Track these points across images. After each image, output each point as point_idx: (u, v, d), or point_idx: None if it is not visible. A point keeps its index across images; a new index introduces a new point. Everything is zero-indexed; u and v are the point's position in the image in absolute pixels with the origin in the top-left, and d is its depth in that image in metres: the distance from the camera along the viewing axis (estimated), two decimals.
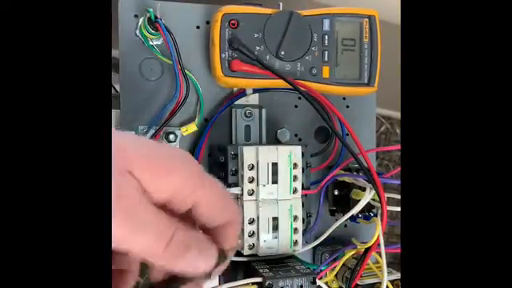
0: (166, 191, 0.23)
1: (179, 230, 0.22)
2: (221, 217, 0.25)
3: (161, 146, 0.25)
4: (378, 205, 0.39)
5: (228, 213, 0.25)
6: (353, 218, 0.41)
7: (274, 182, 0.38)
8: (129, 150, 0.22)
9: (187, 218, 0.25)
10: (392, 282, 0.41)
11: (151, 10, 0.40)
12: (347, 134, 0.47)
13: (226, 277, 0.43)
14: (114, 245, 0.21)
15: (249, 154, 0.38)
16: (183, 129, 0.42)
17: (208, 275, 0.24)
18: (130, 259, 0.26)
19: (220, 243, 0.25)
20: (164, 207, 0.23)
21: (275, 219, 0.39)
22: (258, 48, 0.41)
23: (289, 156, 0.38)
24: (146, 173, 0.22)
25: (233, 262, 0.40)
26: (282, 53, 0.41)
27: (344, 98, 0.49)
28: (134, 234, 0.21)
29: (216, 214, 0.25)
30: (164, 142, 0.42)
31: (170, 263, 0.22)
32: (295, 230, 0.39)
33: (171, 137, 0.42)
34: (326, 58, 0.43)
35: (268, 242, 0.39)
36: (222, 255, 0.25)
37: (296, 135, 0.47)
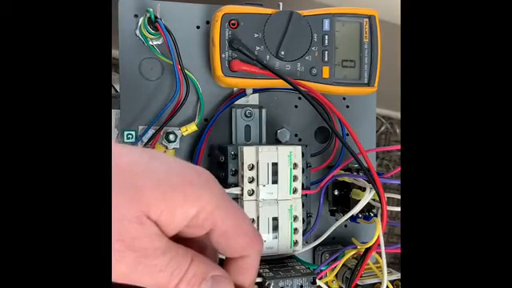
0: (182, 221, 0.22)
1: (193, 264, 0.22)
2: (237, 246, 0.24)
3: (179, 167, 0.23)
4: (378, 205, 0.38)
5: (245, 242, 0.24)
6: (353, 218, 0.41)
7: (274, 182, 0.38)
8: (144, 183, 0.21)
9: (203, 247, 0.24)
10: (392, 282, 0.41)
11: (151, 9, 0.40)
12: (347, 134, 0.47)
13: None
14: (123, 281, 0.21)
15: (249, 154, 0.38)
16: (183, 129, 0.42)
17: None
18: None
19: (237, 276, 0.24)
20: (179, 233, 0.22)
21: (275, 219, 0.39)
22: (257, 48, 0.41)
23: (289, 156, 0.38)
24: (164, 206, 0.21)
25: None
26: (282, 53, 0.41)
27: (344, 98, 0.49)
28: (146, 274, 0.21)
29: (232, 242, 0.23)
30: (165, 147, 0.42)
31: None
32: (295, 230, 0.39)
33: (171, 137, 0.42)
34: (326, 58, 0.43)
35: (268, 242, 0.39)
36: None
37: (296, 135, 0.47)
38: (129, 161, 0.22)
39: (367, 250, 0.39)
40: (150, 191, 0.21)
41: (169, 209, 0.21)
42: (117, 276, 0.20)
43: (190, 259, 0.22)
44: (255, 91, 0.44)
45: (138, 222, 0.21)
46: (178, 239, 0.23)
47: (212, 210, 0.22)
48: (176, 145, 0.43)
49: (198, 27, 0.44)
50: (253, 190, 0.38)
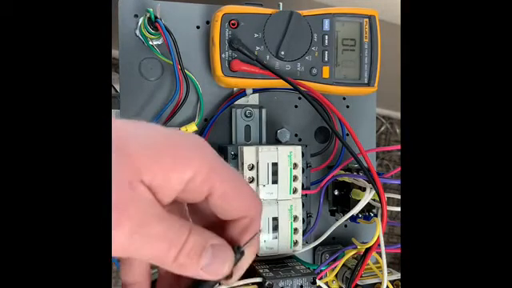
0: (178, 185, 0.21)
1: (192, 234, 0.21)
2: (237, 208, 0.23)
3: (167, 132, 0.22)
4: (378, 205, 0.38)
5: (245, 204, 0.23)
6: (353, 218, 0.41)
7: (274, 182, 0.38)
8: (133, 148, 0.21)
9: (202, 212, 0.24)
10: (392, 282, 0.41)
11: (151, 9, 0.40)
12: (347, 134, 0.47)
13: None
14: (122, 254, 0.20)
15: (249, 154, 0.38)
16: (183, 129, 0.42)
17: (228, 277, 0.23)
18: (137, 271, 0.25)
19: (236, 239, 0.24)
20: (176, 199, 0.22)
21: (275, 219, 0.39)
22: (257, 48, 0.41)
23: (289, 156, 0.38)
24: (156, 170, 0.20)
25: None
26: (282, 53, 0.41)
27: (344, 98, 0.49)
28: (144, 244, 0.20)
29: (232, 204, 0.23)
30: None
31: (182, 270, 0.21)
32: (295, 230, 0.39)
33: None
34: (326, 58, 0.43)
35: (268, 242, 0.39)
36: (238, 253, 0.23)
37: (296, 135, 0.47)
38: (114, 126, 0.21)
39: (367, 250, 0.39)
40: (140, 155, 0.20)
41: (162, 172, 0.21)
42: (116, 249, 0.20)
43: (188, 228, 0.21)
44: (255, 91, 0.44)
45: (130, 188, 0.20)
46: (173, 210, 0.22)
47: (208, 172, 0.21)
48: None
49: (198, 27, 0.44)
50: None
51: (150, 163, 0.20)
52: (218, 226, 0.24)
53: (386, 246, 0.38)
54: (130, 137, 0.21)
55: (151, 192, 0.21)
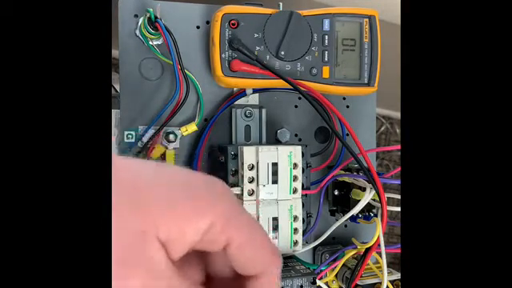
0: (193, 237, 0.20)
1: None
2: (255, 260, 0.22)
3: (182, 178, 0.21)
4: (378, 205, 0.39)
5: (264, 257, 0.22)
6: (353, 218, 0.41)
7: (274, 182, 0.38)
8: (147, 199, 0.19)
9: (220, 264, 0.23)
10: (392, 282, 0.41)
11: (151, 9, 0.40)
12: (347, 134, 0.47)
13: None
14: None
15: (249, 154, 0.38)
16: (183, 129, 0.42)
17: None
18: None
19: None
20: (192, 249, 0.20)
21: (275, 219, 0.39)
22: (257, 48, 0.41)
23: (289, 156, 0.38)
24: (171, 222, 0.19)
25: None
26: (282, 53, 0.41)
27: (344, 98, 0.49)
28: None
29: (250, 256, 0.21)
30: (165, 147, 0.42)
31: None
32: (295, 230, 0.39)
33: (171, 137, 0.42)
34: (326, 58, 0.43)
35: None
36: None
37: (296, 135, 0.47)
38: (132, 176, 0.20)
39: (367, 250, 0.39)
40: (156, 207, 0.19)
41: (178, 224, 0.19)
42: None
43: None
44: (255, 91, 0.44)
45: (143, 240, 0.19)
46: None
47: (226, 222, 0.20)
48: (176, 145, 0.43)
49: (198, 27, 0.44)
50: (253, 190, 0.38)
51: (167, 216, 0.19)
52: (237, 285, 0.23)
53: (386, 245, 0.38)
54: (147, 186, 0.20)
55: (164, 247, 0.19)
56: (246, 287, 0.22)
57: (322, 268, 0.43)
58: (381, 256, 0.38)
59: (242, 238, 0.21)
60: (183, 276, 0.20)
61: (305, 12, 0.42)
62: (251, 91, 0.44)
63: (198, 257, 0.23)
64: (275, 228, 0.39)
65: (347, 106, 0.49)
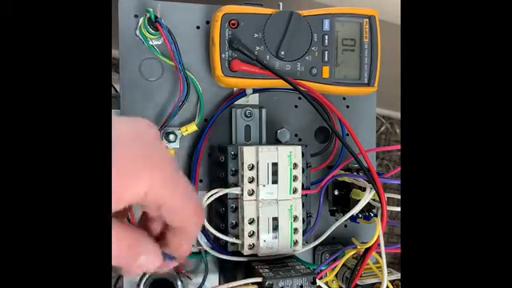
0: (131, 200, 0.24)
1: (133, 240, 0.26)
2: (181, 220, 0.27)
3: (132, 150, 0.25)
4: (378, 205, 0.38)
5: (189, 217, 0.28)
6: (353, 218, 0.41)
7: (274, 182, 0.38)
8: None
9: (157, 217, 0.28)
10: (392, 282, 0.41)
11: (151, 10, 0.40)
12: (347, 134, 0.47)
13: (226, 277, 0.43)
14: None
15: (249, 154, 0.38)
16: (183, 129, 0.42)
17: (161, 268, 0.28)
18: None
19: (170, 246, 0.28)
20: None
21: (275, 219, 0.39)
22: (257, 48, 0.41)
23: (289, 156, 0.38)
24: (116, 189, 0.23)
25: (233, 262, 0.41)
26: (282, 53, 0.41)
27: (344, 98, 0.49)
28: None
29: (177, 216, 0.27)
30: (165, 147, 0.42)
31: (128, 266, 0.26)
32: (295, 230, 0.39)
33: (171, 137, 0.42)
34: (326, 58, 0.43)
35: (268, 242, 0.39)
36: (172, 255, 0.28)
37: (296, 135, 0.47)
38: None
39: (367, 250, 0.39)
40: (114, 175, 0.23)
41: (120, 187, 0.23)
42: None
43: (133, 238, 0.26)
44: (255, 91, 0.44)
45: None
46: None
47: (160, 191, 0.25)
48: (176, 145, 0.43)
49: (198, 27, 0.44)
50: (253, 190, 0.38)
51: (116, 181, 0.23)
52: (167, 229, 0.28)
53: (385, 245, 0.38)
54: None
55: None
56: (172, 234, 0.28)
57: (322, 268, 0.43)
58: (381, 256, 0.38)
59: (172, 204, 0.26)
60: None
61: (305, 12, 0.42)
62: (251, 91, 0.44)
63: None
64: (275, 228, 0.39)
65: (347, 106, 0.49)
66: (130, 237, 0.26)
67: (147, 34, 0.41)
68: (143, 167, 0.24)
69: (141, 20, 0.41)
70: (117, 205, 0.23)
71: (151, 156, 0.25)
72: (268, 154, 0.38)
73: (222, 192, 0.39)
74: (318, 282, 0.38)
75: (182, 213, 0.27)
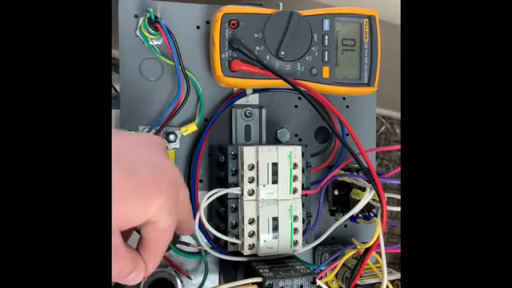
0: (140, 221, 0.26)
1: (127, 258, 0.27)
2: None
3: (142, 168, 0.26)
4: (378, 205, 0.39)
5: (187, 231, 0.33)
6: (353, 218, 0.41)
7: (274, 182, 0.38)
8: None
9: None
10: (392, 282, 0.41)
11: (151, 10, 0.40)
12: (347, 134, 0.47)
13: (226, 277, 0.43)
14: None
15: (249, 154, 0.38)
16: (183, 129, 0.42)
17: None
18: None
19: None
20: None
21: (275, 219, 0.39)
22: (257, 48, 0.41)
23: (289, 156, 0.38)
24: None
25: (233, 262, 0.41)
26: (282, 53, 0.41)
27: (344, 98, 0.49)
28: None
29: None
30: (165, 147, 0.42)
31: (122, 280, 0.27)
32: (295, 230, 0.39)
33: (171, 137, 0.42)
34: (326, 58, 0.43)
35: (268, 242, 0.39)
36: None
37: (296, 135, 0.47)
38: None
39: (367, 250, 0.39)
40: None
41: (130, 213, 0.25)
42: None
43: (129, 257, 0.27)
44: (255, 91, 0.44)
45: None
46: None
47: (165, 216, 0.26)
48: (176, 145, 0.43)
49: (198, 27, 0.44)
50: (253, 190, 0.38)
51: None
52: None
53: (385, 245, 0.38)
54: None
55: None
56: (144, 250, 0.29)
57: (322, 268, 0.43)
58: (381, 256, 0.38)
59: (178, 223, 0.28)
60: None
61: (305, 12, 0.42)
62: (251, 91, 0.44)
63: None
64: (275, 228, 0.39)
65: (347, 106, 0.49)
66: (129, 257, 0.27)
67: (147, 34, 0.41)
68: (155, 189, 0.25)
69: (141, 20, 0.41)
70: (128, 225, 0.25)
71: (161, 178, 0.26)
72: (268, 154, 0.38)
73: (222, 192, 0.39)
74: (318, 282, 0.38)
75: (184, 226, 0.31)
